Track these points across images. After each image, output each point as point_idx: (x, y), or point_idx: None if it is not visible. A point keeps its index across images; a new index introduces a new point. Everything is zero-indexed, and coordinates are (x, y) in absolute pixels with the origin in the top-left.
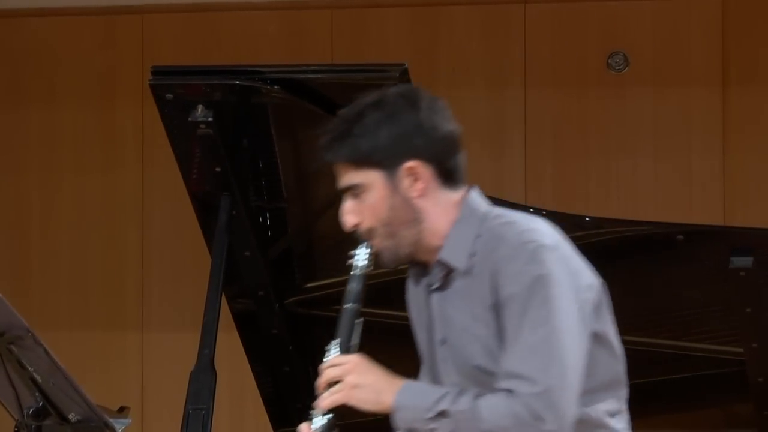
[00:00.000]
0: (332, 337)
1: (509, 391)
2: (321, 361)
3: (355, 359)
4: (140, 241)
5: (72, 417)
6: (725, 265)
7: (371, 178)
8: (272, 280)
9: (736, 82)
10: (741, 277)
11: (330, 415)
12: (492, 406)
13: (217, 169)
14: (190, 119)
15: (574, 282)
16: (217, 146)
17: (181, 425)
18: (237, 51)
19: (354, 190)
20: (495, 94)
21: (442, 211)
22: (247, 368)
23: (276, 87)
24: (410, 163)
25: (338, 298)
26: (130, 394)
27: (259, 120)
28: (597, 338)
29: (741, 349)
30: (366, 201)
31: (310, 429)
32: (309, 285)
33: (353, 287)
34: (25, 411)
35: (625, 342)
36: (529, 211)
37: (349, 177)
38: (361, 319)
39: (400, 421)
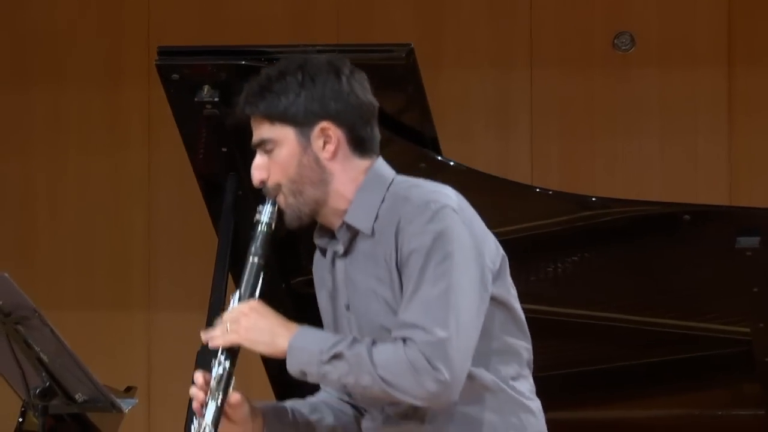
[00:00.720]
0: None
1: (405, 339)
2: None
3: (251, 303)
4: (147, 222)
5: (78, 397)
6: (731, 245)
7: (284, 134)
8: (278, 260)
9: (742, 62)
10: (747, 257)
11: (227, 362)
12: (387, 351)
13: (224, 150)
14: (196, 99)
15: (475, 244)
16: (223, 126)
17: (187, 405)
18: (243, 32)
19: (266, 146)
20: (501, 74)
21: (350, 177)
22: None
23: None
24: (324, 124)
25: None
26: (137, 374)
27: None
28: (496, 302)
29: (747, 329)
30: (276, 157)
31: (207, 376)
32: None
33: (258, 242)
34: (31, 391)
35: (631, 322)
36: (534, 191)
37: (263, 131)
38: (262, 274)
39: (292, 363)
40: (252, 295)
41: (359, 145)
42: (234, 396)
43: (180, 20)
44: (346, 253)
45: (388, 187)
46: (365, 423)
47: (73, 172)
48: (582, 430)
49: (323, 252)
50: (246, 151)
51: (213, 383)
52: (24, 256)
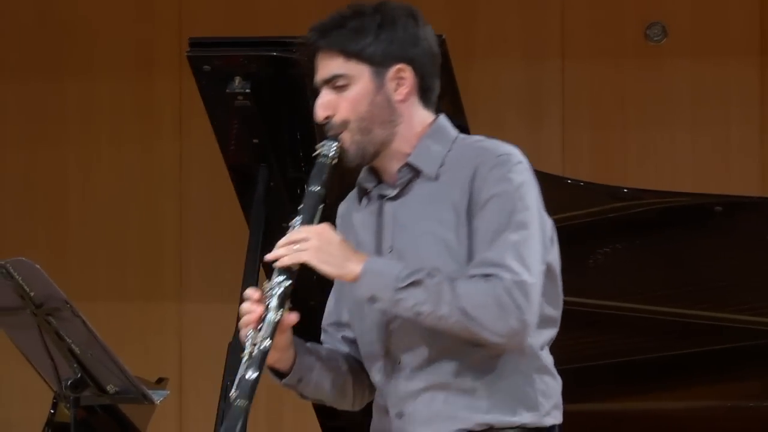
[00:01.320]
0: None
1: (488, 275)
2: None
3: (321, 225)
4: (178, 213)
5: (110, 388)
6: (763, 236)
7: (359, 72)
8: None
9: None
10: None
11: (289, 281)
12: (471, 285)
13: (255, 141)
14: (227, 91)
15: (540, 207)
16: (255, 118)
17: (219, 397)
18: (274, 23)
19: (337, 81)
20: (533, 65)
21: (416, 123)
22: None
23: None
24: (400, 66)
25: None
26: (168, 365)
27: (296, 91)
28: (548, 269)
29: None
30: (348, 94)
31: (265, 296)
32: None
33: (319, 173)
34: (63, 382)
35: (662, 313)
36: (566, 182)
37: (336, 66)
38: (322, 205)
39: (364, 287)
40: (311, 222)
41: (425, 94)
42: (291, 316)
43: (212, 11)
44: (398, 195)
45: (454, 141)
46: (377, 377)
47: (105, 163)
48: (609, 421)
49: (362, 196)
50: (277, 143)
51: (273, 300)
52: (56, 247)
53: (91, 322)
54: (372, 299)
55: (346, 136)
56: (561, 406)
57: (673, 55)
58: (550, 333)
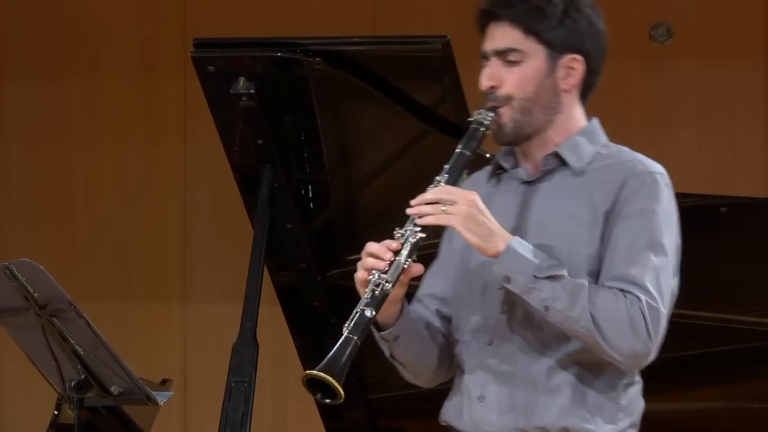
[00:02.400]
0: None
1: (627, 293)
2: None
3: (473, 193)
4: (182, 214)
5: (114, 389)
6: None
7: (535, 51)
8: (314, 253)
9: None
10: None
11: (423, 234)
12: (609, 296)
13: (260, 142)
14: (232, 91)
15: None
16: (259, 118)
17: (223, 398)
18: (279, 23)
19: (509, 55)
20: None
21: (573, 115)
22: (289, 341)
23: (318, 59)
24: (575, 56)
25: None
26: (173, 366)
27: (301, 92)
28: None
29: None
30: (517, 70)
31: (398, 241)
32: (351, 257)
33: (470, 139)
34: (67, 383)
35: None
36: None
37: (514, 40)
38: (466, 171)
39: (503, 266)
40: (455, 183)
41: (586, 90)
42: (417, 266)
43: (216, 12)
44: (536, 181)
45: (604, 144)
46: (466, 356)
47: (109, 164)
48: None
49: (494, 173)
50: (281, 144)
51: (406, 248)
52: (60, 248)
53: (95, 323)
54: (506, 279)
55: (506, 112)
56: (638, 426)
57: (679, 56)
58: None
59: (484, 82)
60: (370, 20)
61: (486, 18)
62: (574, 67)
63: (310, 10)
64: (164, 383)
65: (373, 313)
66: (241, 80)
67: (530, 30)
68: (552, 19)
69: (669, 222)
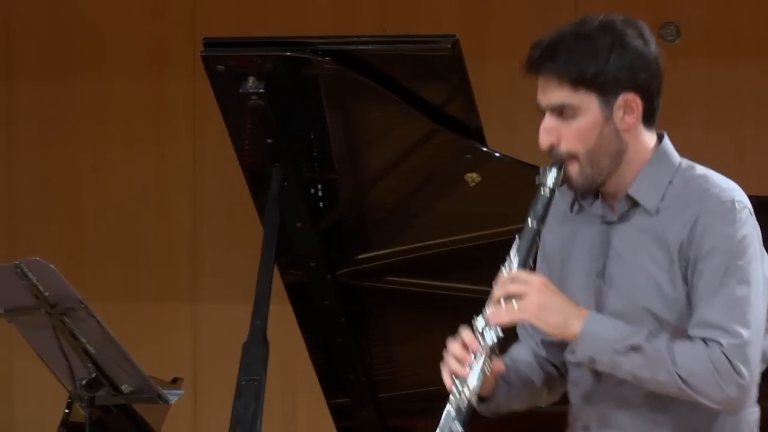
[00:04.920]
0: (384, 306)
1: (707, 339)
2: (373, 332)
3: (541, 278)
4: (192, 213)
5: (125, 388)
6: None
7: (587, 101)
8: (324, 252)
9: None
10: None
11: (501, 333)
12: (688, 350)
13: (269, 141)
14: (241, 91)
15: (762, 248)
16: (269, 118)
17: (234, 396)
18: (288, 23)
19: (562, 110)
20: None
21: (640, 149)
22: (299, 339)
23: (327, 58)
24: (629, 95)
25: (390, 270)
26: (183, 365)
27: (310, 91)
28: None
29: None
30: (574, 124)
31: (480, 343)
32: (361, 256)
33: (538, 206)
34: (78, 382)
35: None
36: None
37: (562, 95)
38: (538, 240)
39: (583, 349)
40: (527, 262)
41: (650, 116)
42: (498, 365)
43: (225, 11)
44: (617, 221)
45: (677, 169)
46: (572, 387)
47: (118, 163)
48: None
49: (575, 201)
50: (291, 143)
51: (482, 351)
52: (69, 247)
53: (106, 322)
54: (590, 360)
55: (573, 167)
56: None
57: (687, 56)
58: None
59: (544, 140)
60: (379, 20)
61: (532, 71)
62: (630, 106)
63: (318, 10)
64: (175, 382)
65: (460, 429)
66: (251, 79)
67: (578, 82)
68: (598, 63)
69: (746, 248)
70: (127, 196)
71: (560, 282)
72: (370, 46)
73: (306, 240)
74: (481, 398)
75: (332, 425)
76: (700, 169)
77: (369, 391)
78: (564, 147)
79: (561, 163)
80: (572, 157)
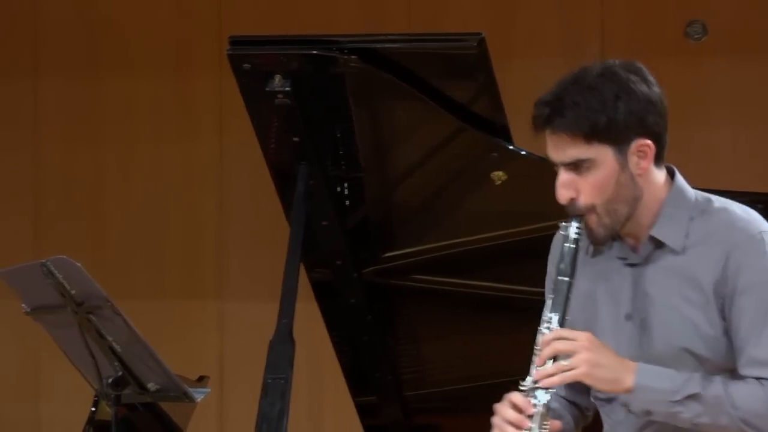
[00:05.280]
0: (410, 304)
1: (763, 379)
2: (399, 331)
3: (588, 335)
4: (218, 211)
5: (151, 386)
6: None
7: (602, 154)
8: (350, 250)
9: None
10: None
11: (550, 395)
12: (746, 391)
13: (295, 139)
14: (267, 89)
15: None
16: (295, 116)
17: (260, 395)
18: (314, 21)
19: (578, 165)
20: (572, 64)
21: (654, 189)
22: (325, 337)
23: (353, 56)
24: (642, 141)
25: (416, 268)
26: (209, 363)
27: (336, 89)
28: None
29: None
30: (591, 177)
31: (532, 404)
32: (387, 254)
33: (567, 261)
34: (104, 380)
35: None
36: None
37: (577, 151)
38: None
39: (639, 402)
40: (564, 318)
41: (660, 155)
42: (554, 422)
43: (251, 9)
44: (641, 264)
45: (694, 204)
46: (614, 416)
47: (144, 162)
48: None
49: (599, 252)
50: (317, 141)
51: (537, 418)
52: (96, 245)
53: (132, 320)
54: (647, 413)
55: (592, 219)
56: None
57: (713, 54)
58: None
59: (563, 194)
60: (405, 18)
61: (541, 128)
62: (644, 150)
63: (344, 8)
64: (201, 380)
65: None
66: (277, 78)
67: (591, 135)
68: (607, 114)
69: None
70: (153, 194)
71: (588, 326)
72: (396, 45)
73: (332, 238)
74: None
75: (358, 424)
76: (717, 202)
77: (395, 390)
78: (582, 201)
79: (581, 216)
80: (590, 209)
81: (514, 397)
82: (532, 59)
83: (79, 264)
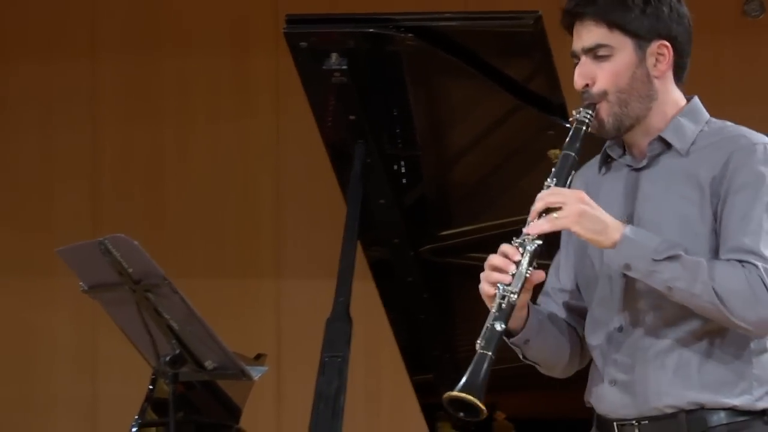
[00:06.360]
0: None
1: (743, 262)
2: (456, 309)
3: (579, 191)
4: (275, 189)
5: (208, 364)
6: None
7: (622, 43)
8: (407, 228)
9: None
10: None
11: (540, 242)
12: (726, 268)
13: (352, 117)
14: (324, 67)
15: None
16: (352, 94)
17: (317, 373)
18: (369, 0)
19: (598, 51)
20: None
21: (671, 99)
22: (382, 316)
23: (410, 35)
24: (662, 42)
25: (473, 246)
26: (266, 341)
27: (393, 68)
28: None
29: None
30: (608, 65)
31: (518, 251)
32: (444, 233)
33: (573, 139)
34: (162, 358)
35: None
36: None
37: (599, 35)
38: (574, 172)
39: (621, 255)
40: (564, 185)
41: (679, 72)
42: (538, 273)
43: None
44: (645, 167)
45: (707, 121)
46: (595, 342)
47: (201, 140)
48: None
49: (603, 164)
50: (373, 119)
51: (526, 257)
52: (153, 224)
53: (189, 298)
54: (626, 267)
55: (603, 107)
56: None
57: None
58: None
59: (578, 81)
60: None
61: (570, 18)
62: (662, 53)
63: None
64: (258, 358)
65: (503, 326)
66: (334, 56)
67: (615, 23)
68: (635, 10)
69: None
70: (211, 172)
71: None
72: (453, 23)
73: (389, 216)
74: (509, 332)
75: (416, 402)
76: (730, 122)
77: (452, 368)
78: (596, 87)
79: (593, 104)
80: (603, 96)
81: (503, 246)
82: None
83: (136, 242)
